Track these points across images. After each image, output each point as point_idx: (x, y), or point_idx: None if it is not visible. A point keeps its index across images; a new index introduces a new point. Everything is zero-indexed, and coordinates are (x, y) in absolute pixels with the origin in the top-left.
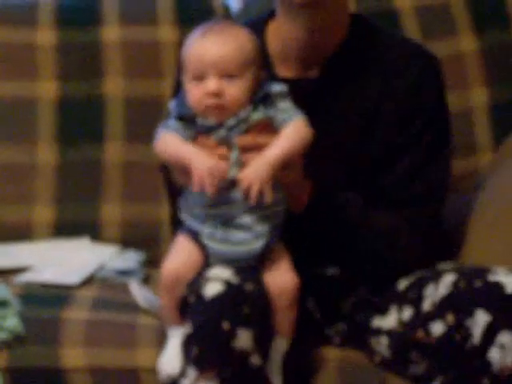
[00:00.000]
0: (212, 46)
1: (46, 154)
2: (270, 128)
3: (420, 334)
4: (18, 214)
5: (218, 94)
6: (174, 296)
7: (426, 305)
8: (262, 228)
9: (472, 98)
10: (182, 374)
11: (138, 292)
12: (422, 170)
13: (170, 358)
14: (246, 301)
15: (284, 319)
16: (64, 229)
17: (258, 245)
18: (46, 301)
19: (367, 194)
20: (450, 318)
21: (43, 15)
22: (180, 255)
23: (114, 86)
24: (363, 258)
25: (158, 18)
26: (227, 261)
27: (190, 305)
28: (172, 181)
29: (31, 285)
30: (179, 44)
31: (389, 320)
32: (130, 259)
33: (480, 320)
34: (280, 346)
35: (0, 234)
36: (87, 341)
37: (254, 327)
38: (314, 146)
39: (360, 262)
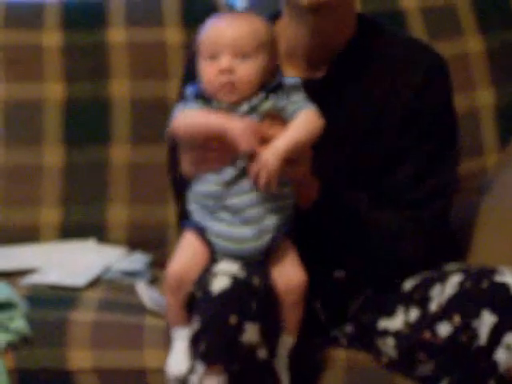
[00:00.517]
0: (227, 27)
1: (53, 155)
2: (280, 119)
3: (427, 334)
4: (25, 216)
5: (229, 71)
6: (179, 296)
7: (433, 306)
8: (269, 222)
9: (478, 98)
10: (190, 370)
11: (145, 293)
12: (429, 170)
13: (177, 361)
14: (254, 295)
15: (290, 316)
16: (70, 230)
17: (264, 241)
18: (52, 302)
19: (373, 193)
20: (457, 318)
21: (49, 17)
22: (186, 254)
23: (120, 88)
24: (368, 257)
25: (164, 19)
26: (234, 257)
27: (197, 300)
28: (180, 176)
29: (38, 286)
30: (185, 45)
31: (395, 321)
32: (137, 261)
33: (486, 321)
34: (286, 342)
35: (7, 235)
36: (94, 342)
37: (261, 321)
38: (321, 145)
39: (365, 260)
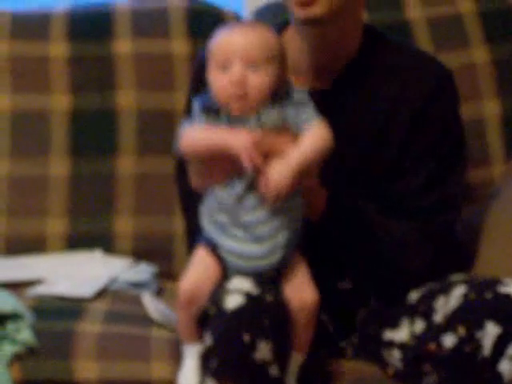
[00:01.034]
0: (238, 36)
1: (59, 166)
2: (288, 131)
3: (432, 346)
4: (31, 227)
5: (241, 83)
6: (190, 312)
7: (438, 317)
8: (280, 238)
9: (484, 109)
10: None
11: (151, 304)
12: (437, 181)
13: (187, 377)
14: (266, 312)
15: (302, 335)
16: (77, 241)
17: (276, 257)
18: (58, 313)
19: (379, 203)
20: (461, 330)
21: (56, 28)
22: (197, 270)
23: (127, 99)
24: (375, 267)
25: (171, 30)
26: (246, 273)
27: (210, 317)
28: (189, 189)
29: (44, 297)
30: (191, 57)
31: (401, 333)
32: (143, 272)
33: (490, 332)
34: (297, 360)
35: (13, 246)
36: (100, 354)
37: (273, 338)
38: (328, 156)
39: (372, 270)
